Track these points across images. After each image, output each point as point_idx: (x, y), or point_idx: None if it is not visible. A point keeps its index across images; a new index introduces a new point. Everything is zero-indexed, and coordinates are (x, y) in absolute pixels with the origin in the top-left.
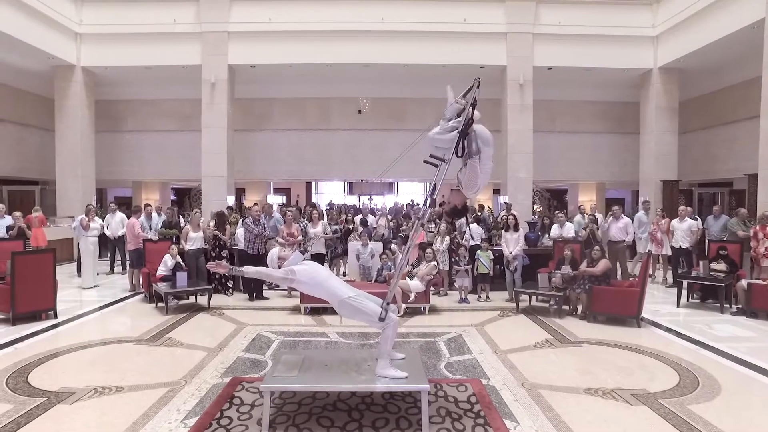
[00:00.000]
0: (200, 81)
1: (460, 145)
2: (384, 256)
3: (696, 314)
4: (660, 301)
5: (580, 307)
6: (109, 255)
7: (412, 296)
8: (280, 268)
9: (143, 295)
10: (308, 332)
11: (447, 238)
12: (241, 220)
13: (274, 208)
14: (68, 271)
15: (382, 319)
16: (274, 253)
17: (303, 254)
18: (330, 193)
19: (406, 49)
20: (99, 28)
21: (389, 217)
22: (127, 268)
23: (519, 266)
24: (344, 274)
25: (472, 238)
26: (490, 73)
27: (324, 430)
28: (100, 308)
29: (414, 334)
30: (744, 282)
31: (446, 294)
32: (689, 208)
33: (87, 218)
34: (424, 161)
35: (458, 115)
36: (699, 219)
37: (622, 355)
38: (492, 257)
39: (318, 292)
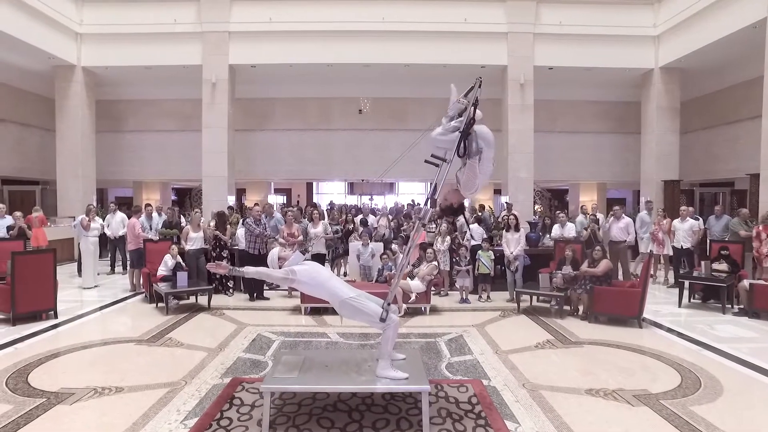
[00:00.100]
0: (201, 81)
1: (462, 145)
2: (385, 256)
3: (698, 315)
4: (661, 302)
5: (581, 308)
6: (109, 255)
7: (413, 296)
8: (280, 268)
9: (144, 295)
10: (309, 332)
11: (448, 238)
12: (241, 220)
13: (275, 208)
14: (69, 271)
15: (383, 320)
16: (274, 253)
17: (303, 254)
18: (331, 193)
19: (406, 49)
20: (99, 28)
21: (390, 217)
22: (128, 268)
23: (520, 266)
24: (345, 275)
25: (473, 238)
26: (490, 73)
27: (324, 430)
28: (101, 308)
29: (415, 334)
30: (746, 282)
31: (447, 294)
32: (691, 208)
33: (87, 218)
34: (426, 161)
35: (460, 115)
36: (700, 219)
37: (624, 356)
38: (493, 257)
39: (319, 292)
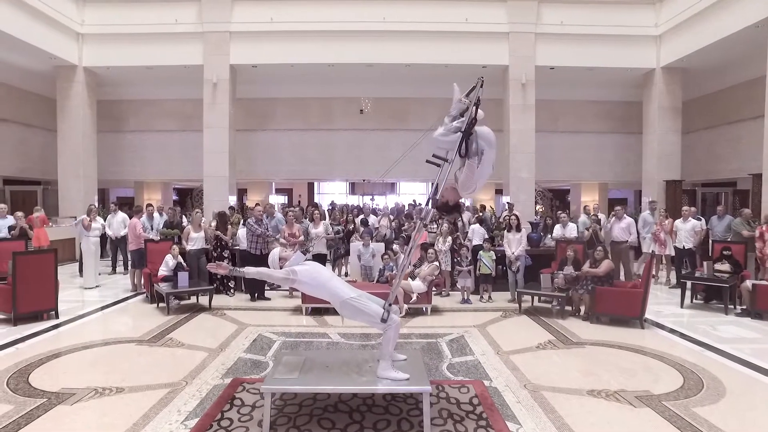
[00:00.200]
0: (202, 81)
1: (463, 144)
2: (386, 256)
3: (700, 315)
4: (663, 302)
5: (582, 308)
6: (111, 255)
7: (414, 297)
8: (281, 268)
9: (145, 295)
10: (310, 333)
11: (449, 238)
12: (242, 220)
13: (276, 208)
14: (70, 272)
15: (384, 320)
16: (275, 253)
17: (304, 255)
18: (332, 193)
19: (408, 48)
20: (101, 28)
21: (391, 217)
22: (129, 268)
23: (521, 267)
24: (346, 275)
25: (471, 240)
26: (492, 73)
27: (325, 431)
28: (102, 308)
29: (416, 334)
30: (749, 283)
31: (448, 294)
32: (693, 209)
33: (89, 218)
34: (427, 161)
35: (462, 114)
36: (703, 219)
37: (626, 357)
38: (494, 258)
39: (320, 292)
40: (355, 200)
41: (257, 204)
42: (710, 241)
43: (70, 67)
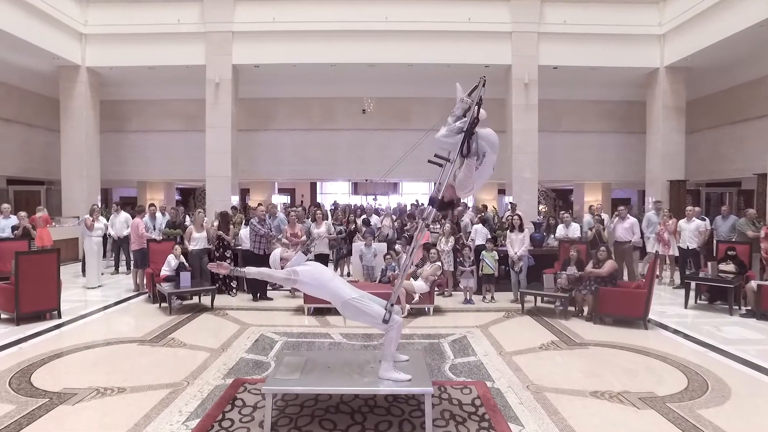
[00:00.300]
0: (204, 81)
1: (465, 144)
2: (388, 256)
3: (704, 316)
4: (667, 303)
5: (586, 309)
6: (113, 255)
7: (417, 297)
8: (282, 268)
9: (147, 295)
10: (312, 333)
11: (452, 238)
12: (244, 220)
13: (278, 209)
14: (73, 271)
15: (385, 321)
16: (276, 253)
17: (306, 255)
18: (335, 193)
19: (410, 48)
20: (104, 28)
21: (394, 217)
22: (132, 268)
23: (524, 267)
24: (348, 275)
25: (475, 240)
26: (494, 73)
27: None
28: (104, 308)
29: (418, 335)
30: (754, 283)
31: (451, 295)
32: (697, 209)
33: (91, 218)
34: (429, 161)
35: (464, 114)
36: (707, 219)
37: (629, 358)
38: (497, 258)
39: (321, 293)
40: (357, 200)
41: (260, 204)
42: (714, 242)
43: (73, 68)
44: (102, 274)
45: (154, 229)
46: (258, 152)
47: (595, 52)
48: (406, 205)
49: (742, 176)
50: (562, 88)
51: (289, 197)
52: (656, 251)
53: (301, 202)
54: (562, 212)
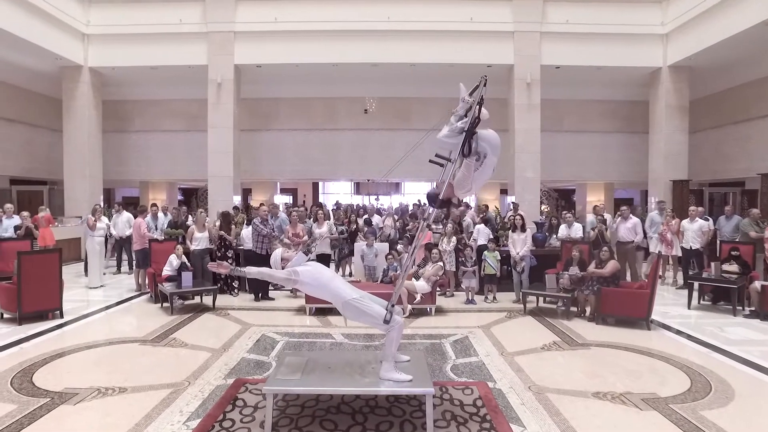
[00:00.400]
0: (206, 81)
1: (466, 144)
2: (389, 256)
3: (707, 316)
4: (670, 303)
5: (588, 309)
6: (116, 255)
7: (418, 297)
8: (283, 269)
9: (149, 295)
10: (313, 333)
11: (454, 238)
12: (246, 220)
13: (280, 209)
14: (75, 271)
15: (386, 322)
16: (277, 254)
17: (307, 255)
18: (337, 193)
19: (412, 48)
20: (106, 28)
21: (395, 217)
22: (133, 268)
23: (526, 267)
24: (350, 275)
25: (477, 240)
26: (497, 72)
27: None
28: (106, 308)
29: (420, 335)
30: (757, 284)
31: (452, 295)
32: (700, 209)
33: (93, 218)
34: (430, 161)
35: (466, 114)
36: (710, 219)
37: (632, 358)
38: (499, 258)
39: (322, 293)
40: (359, 200)
41: (262, 204)
42: (718, 242)
43: (75, 68)
44: (104, 274)
45: (156, 229)
46: (260, 152)
47: (597, 52)
48: (407, 205)
49: (746, 176)
50: (565, 87)
51: (291, 197)
52: (659, 251)
53: (303, 202)
54: (565, 212)
